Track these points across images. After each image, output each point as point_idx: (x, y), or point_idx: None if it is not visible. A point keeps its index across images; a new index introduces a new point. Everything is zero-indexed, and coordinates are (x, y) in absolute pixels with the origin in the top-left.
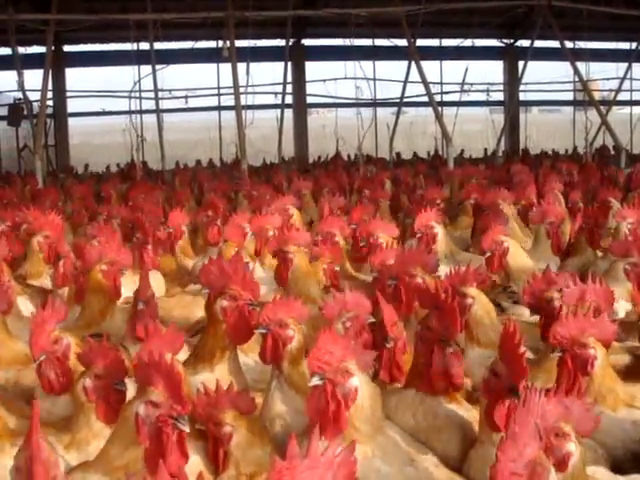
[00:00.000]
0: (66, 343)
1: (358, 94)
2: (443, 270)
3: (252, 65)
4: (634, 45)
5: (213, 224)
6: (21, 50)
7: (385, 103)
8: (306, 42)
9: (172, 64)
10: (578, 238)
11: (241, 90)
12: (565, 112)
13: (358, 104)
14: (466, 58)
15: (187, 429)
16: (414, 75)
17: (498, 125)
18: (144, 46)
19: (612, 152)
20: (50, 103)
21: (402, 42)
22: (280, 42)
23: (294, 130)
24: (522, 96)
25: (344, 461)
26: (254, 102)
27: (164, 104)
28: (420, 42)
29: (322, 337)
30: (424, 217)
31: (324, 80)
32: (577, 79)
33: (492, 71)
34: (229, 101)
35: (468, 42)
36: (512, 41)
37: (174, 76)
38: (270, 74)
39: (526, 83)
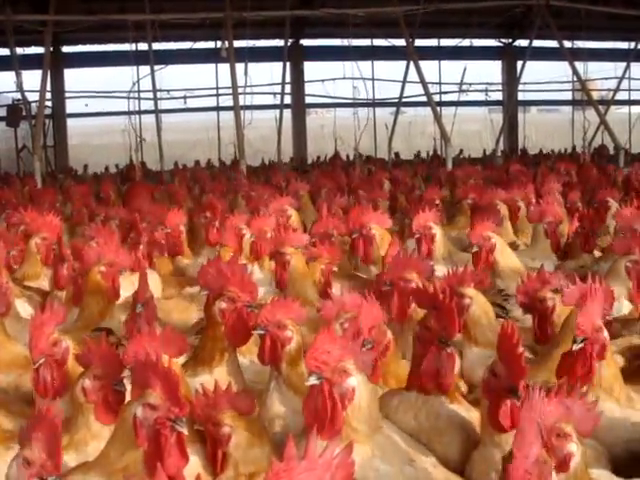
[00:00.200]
0: (65, 346)
1: (355, 94)
2: (441, 271)
3: (250, 65)
4: (632, 45)
5: (211, 225)
6: (19, 51)
7: (384, 103)
8: (304, 42)
9: (170, 64)
10: (574, 241)
11: (239, 90)
12: (564, 112)
13: (357, 104)
14: (464, 58)
15: (185, 431)
16: (412, 75)
17: (497, 125)
18: (142, 47)
19: (611, 152)
20: (49, 104)
21: (400, 42)
22: (278, 42)
23: (293, 130)
24: (521, 96)
25: (342, 463)
26: (252, 102)
27: (163, 104)
28: (418, 42)
29: (320, 337)
30: (422, 218)
31: (322, 80)
32: (575, 79)
33: (490, 71)
34: (228, 101)
35: (466, 42)
36: (510, 41)
37: (173, 76)
38: (268, 74)
39: (524, 83)
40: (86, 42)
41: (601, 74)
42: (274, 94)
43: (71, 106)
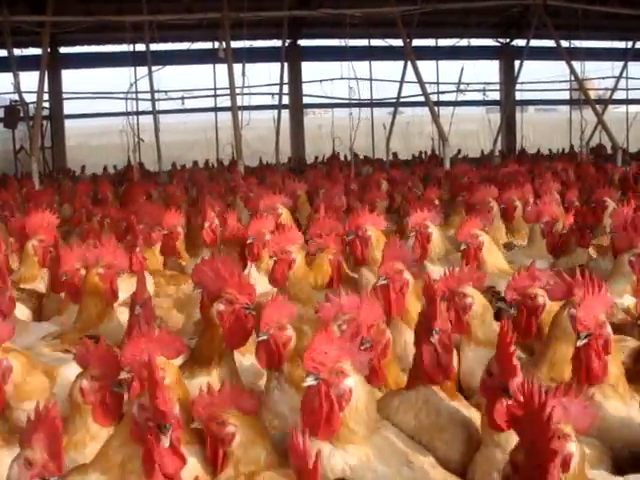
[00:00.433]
0: (6, 365)
1: (351, 94)
2: (438, 271)
3: (248, 66)
4: (629, 44)
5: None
6: (17, 52)
7: (381, 103)
8: (302, 43)
9: (168, 65)
10: (568, 236)
11: (237, 91)
12: (561, 111)
13: (355, 104)
14: (462, 58)
15: (167, 442)
16: (410, 75)
17: (494, 125)
18: (140, 47)
19: (609, 151)
20: (46, 105)
21: (398, 42)
22: (276, 43)
23: (290, 131)
24: (518, 95)
25: None
26: (250, 103)
27: (160, 105)
28: (416, 42)
29: (317, 337)
30: (419, 217)
31: (320, 81)
32: (573, 78)
33: (488, 71)
34: (225, 102)
35: (464, 42)
36: (508, 40)
37: (170, 77)
38: (266, 75)
39: (522, 82)
40: (84, 43)
41: (598, 73)
42: (272, 94)
43: (69, 107)
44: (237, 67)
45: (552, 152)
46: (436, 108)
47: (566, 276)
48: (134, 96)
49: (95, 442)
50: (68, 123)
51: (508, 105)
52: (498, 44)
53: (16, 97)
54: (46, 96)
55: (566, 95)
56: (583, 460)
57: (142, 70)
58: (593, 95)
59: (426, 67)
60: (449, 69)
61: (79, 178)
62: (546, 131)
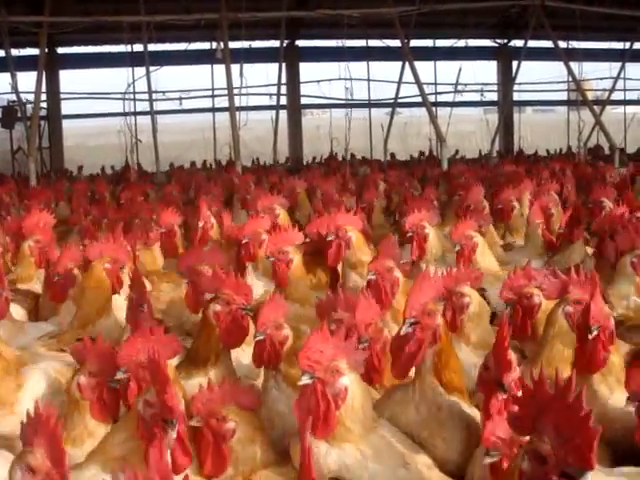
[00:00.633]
0: None
1: (347, 95)
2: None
3: (246, 66)
4: (627, 45)
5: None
6: (14, 52)
7: (379, 104)
8: (300, 43)
9: (166, 66)
10: (564, 234)
11: (235, 91)
12: (559, 112)
13: (352, 105)
14: (460, 58)
15: (174, 434)
16: (408, 76)
17: (492, 125)
18: (138, 48)
19: (607, 152)
20: (44, 105)
21: (396, 43)
22: (274, 43)
23: (288, 131)
24: (516, 96)
25: None
26: (248, 103)
27: (158, 106)
28: (414, 42)
29: (313, 336)
30: (416, 217)
31: (318, 81)
32: (571, 79)
33: (486, 71)
34: (223, 102)
35: (462, 42)
36: (506, 41)
37: (168, 78)
38: (264, 75)
39: (520, 83)
40: (81, 43)
41: (596, 74)
42: (270, 95)
43: (66, 107)
44: (235, 67)
45: (550, 153)
46: (434, 109)
47: (561, 274)
48: (132, 96)
49: (93, 438)
50: (66, 123)
51: (506, 106)
52: (496, 45)
53: (14, 97)
54: (44, 96)
55: (564, 96)
56: None
57: (140, 70)
58: (591, 96)
59: (424, 68)
60: (447, 70)
61: (76, 178)
62: (544, 132)
